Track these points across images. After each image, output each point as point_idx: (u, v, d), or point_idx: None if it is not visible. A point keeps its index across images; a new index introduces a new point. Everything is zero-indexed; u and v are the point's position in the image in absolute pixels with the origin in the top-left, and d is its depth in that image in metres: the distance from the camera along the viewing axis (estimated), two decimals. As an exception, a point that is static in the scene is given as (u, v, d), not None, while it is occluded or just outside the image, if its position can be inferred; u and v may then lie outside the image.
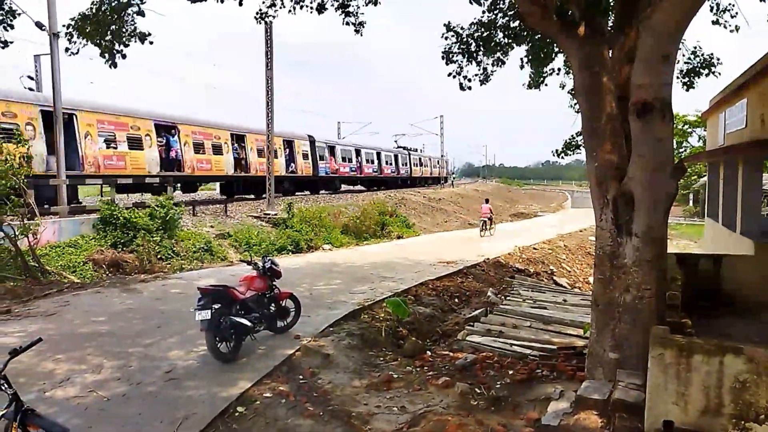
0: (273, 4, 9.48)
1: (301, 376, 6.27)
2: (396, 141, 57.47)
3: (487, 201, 25.91)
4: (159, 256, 14.17)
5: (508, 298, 11.13)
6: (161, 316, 8.47)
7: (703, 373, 4.14)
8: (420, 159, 56.53)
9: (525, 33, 10.19)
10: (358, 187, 43.38)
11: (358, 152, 41.21)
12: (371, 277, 12.21)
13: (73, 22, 8.48)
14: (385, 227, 24.11)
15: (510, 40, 10.39)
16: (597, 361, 5.59)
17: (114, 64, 8.81)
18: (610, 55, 5.95)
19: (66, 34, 8.71)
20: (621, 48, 5.80)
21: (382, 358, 7.24)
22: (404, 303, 8.86)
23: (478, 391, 5.95)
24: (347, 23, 9.92)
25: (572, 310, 9.97)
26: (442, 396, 5.91)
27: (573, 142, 15.39)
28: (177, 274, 12.70)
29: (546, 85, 11.82)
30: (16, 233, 10.64)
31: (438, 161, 64.48)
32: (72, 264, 12.55)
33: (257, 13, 9.44)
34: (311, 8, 9.53)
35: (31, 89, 20.59)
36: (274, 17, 9.67)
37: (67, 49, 8.82)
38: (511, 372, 6.51)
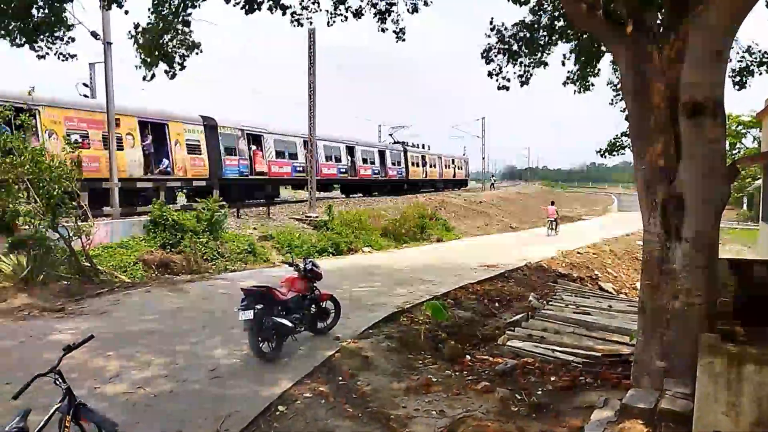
0: (306, 7, 9.64)
1: (340, 378, 6.32)
2: (392, 135, 46.11)
3: (552, 203, 27.61)
4: (205, 257, 14.55)
5: (550, 303, 10.91)
6: (206, 315, 8.70)
7: (755, 383, 3.96)
8: (423, 157, 45.83)
9: (569, 33, 10.01)
10: (303, 195, 30.11)
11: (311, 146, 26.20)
12: (410, 280, 12.19)
13: (132, 34, 8.79)
14: (424, 230, 24.04)
15: (554, 40, 10.22)
16: (643, 369, 5.42)
17: (173, 75, 9.10)
18: (659, 53, 5.76)
19: (138, 60, 9.01)
20: (670, 46, 5.61)
21: (421, 362, 7.22)
22: (444, 306, 8.81)
23: (519, 397, 5.85)
24: (383, 30, 10.00)
25: (618, 317, 9.69)
26: (482, 401, 5.84)
27: (618, 143, 14.99)
28: (222, 274, 13.02)
29: (593, 85, 11.56)
30: (71, 234, 11.12)
31: (453, 161, 54.56)
32: (123, 264, 13.04)
33: (292, 16, 9.60)
34: (344, 17, 9.66)
35: (86, 96, 21.61)
36: (310, 21, 9.82)
37: (136, 67, 9.13)
38: (553, 379, 6.38)
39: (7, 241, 11.31)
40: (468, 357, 7.59)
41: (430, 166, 47.41)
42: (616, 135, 14.92)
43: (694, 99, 5.05)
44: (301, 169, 27.86)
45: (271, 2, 8.87)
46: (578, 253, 19.16)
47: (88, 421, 3.75)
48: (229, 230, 16.74)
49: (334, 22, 9.75)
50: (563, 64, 10.94)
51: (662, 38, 5.77)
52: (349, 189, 37.17)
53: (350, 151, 34.12)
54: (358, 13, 9.79)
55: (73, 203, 11.58)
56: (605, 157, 16.01)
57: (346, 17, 9.73)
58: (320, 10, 9.67)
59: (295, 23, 9.66)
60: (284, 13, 9.12)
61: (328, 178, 31.85)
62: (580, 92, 11.58)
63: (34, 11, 7.58)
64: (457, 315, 9.50)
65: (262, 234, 17.76)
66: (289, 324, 6.74)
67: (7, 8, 6.62)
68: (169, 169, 20.86)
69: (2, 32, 6.84)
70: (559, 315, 9.61)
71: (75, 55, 9.11)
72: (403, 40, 10.16)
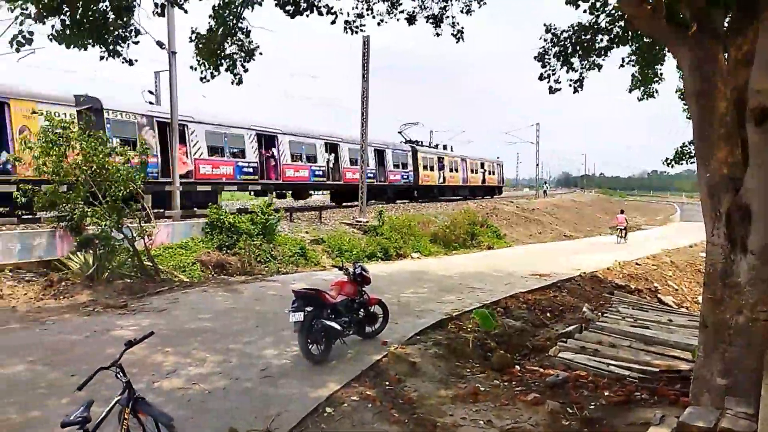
0: (361, 15, 9.74)
1: (387, 382, 6.34)
2: (402, 132, 38.34)
3: (622, 212, 28.43)
4: (258, 259, 14.93)
5: (605, 315, 10.55)
6: (259, 316, 8.93)
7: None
8: (440, 160, 38.89)
9: (629, 35, 9.70)
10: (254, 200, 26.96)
11: (267, 141, 23.65)
12: (459, 287, 12.09)
13: (193, 42, 9.16)
14: (475, 237, 23.77)
15: (612, 44, 9.93)
16: (703, 387, 5.15)
17: (240, 81, 9.40)
18: (725, 56, 5.50)
19: (197, 64, 9.36)
20: (738, 49, 5.35)
21: (468, 370, 7.14)
22: (492, 315, 8.69)
23: (570, 411, 5.69)
24: (437, 34, 10.00)
25: (677, 331, 9.25)
26: (531, 413, 5.71)
27: (686, 151, 14.30)
28: (274, 276, 13.33)
29: (657, 92, 11.11)
30: (134, 235, 11.68)
31: (482, 164, 47.48)
32: (182, 264, 13.56)
33: (346, 24, 9.73)
34: (384, 21, 9.70)
35: (151, 103, 22.69)
36: (362, 27, 9.92)
37: (200, 75, 9.47)
38: (606, 393, 6.16)
39: (75, 240, 12.01)
40: (517, 367, 7.44)
41: (451, 170, 40.48)
42: (684, 143, 14.26)
43: (763, 105, 4.78)
44: (251, 170, 22.72)
45: (318, 7, 8.95)
46: (636, 264, 18.45)
47: (146, 414, 3.90)
48: (281, 233, 17.12)
49: (385, 22, 9.80)
50: (621, 66, 10.61)
51: (729, 41, 5.51)
52: (333, 195, 31.69)
53: (332, 148, 27.87)
54: (411, 19, 9.82)
55: (138, 205, 12.18)
56: (671, 166, 15.31)
57: (398, 19, 9.78)
58: (375, 18, 9.75)
59: (349, 31, 9.79)
60: (334, 21, 9.21)
61: (293, 182, 25.71)
62: (643, 99, 11.15)
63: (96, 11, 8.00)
64: (507, 324, 9.34)
65: (314, 238, 18.05)
66: (338, 327, 6.82)
67: (79, 14, 7.07)
68: (9, 166, 14.29)
69: (73, 36, 7.29)
70: (615, 328, 9.27)
71: (133, 61, 9.33)
72: (462, 40, 10.12)
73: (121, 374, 3.81)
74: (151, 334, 4.32)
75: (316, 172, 26.68)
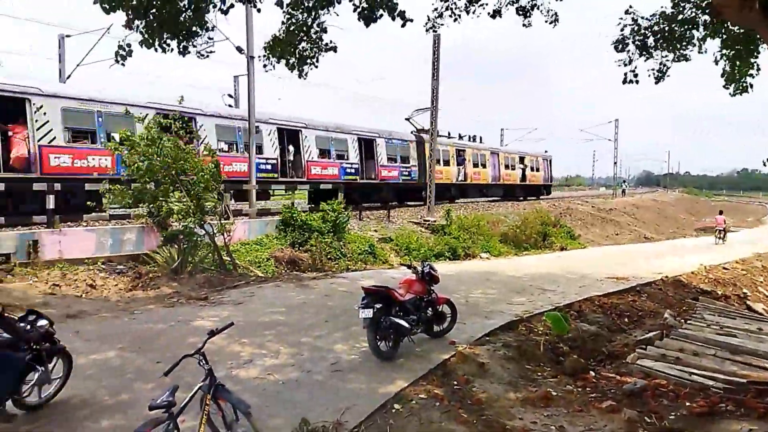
0: (441, 15, 9.72)
1: (455, 382, 6.32)
2: (411, 119, 30.29)
3: (720, 213, 28.10)
4: (329, 256, 15.29)
5: (689, 322, 9.95)
6: (329, 311, 9.15)
7: None
8: (460, 153, 31.69)
9: (717, 25, 9.10)
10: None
11: (366, 144, 24.86)
12: (530, 288, 11.82)
13: (267, 45, 9.53)
14: (547, 238, 23.15)
15: (699, 34, 9.36)
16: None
17: (304, 76, 9.72)
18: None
19: (263, 56, 9.79)
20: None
21: (539, 373, 6.98)
22: (565, 318, 8.43)
23: (649, 421, 5.44)
24: (525, 26, 9.80)
25: (770, 342, 8.60)
26: (606, 421, 5.51)
27: None
28: (343, 273, 13.60)
29: (752, 86, 10.30)
30: (215, 231, 12.31)
31: (521, 159, 39.65)
32: (257, 260, 14.13)
33: (427, 24, 9.73)
34: (461, 17, 9.60)
35: (230, 106, 23.74)
36: (442, 25, 9.90)
37: (264, 66, 9.90)
38: (688, 404, 5.84)
39: (162, 235, 12.81)
40: (592, 373, 7.18)
41: (476, 165, 33.13)
42: None
43: None
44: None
45: (390, 12, 9.00)
46: (724, 268, 17.29)
47: (225, 401, 4.12)
48: (351, 231, 17.42)
49: (470, 14, 9.70)
50: (716, 63, 9.93)
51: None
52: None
53: (291, 138, 21.85)
54: (496, 13, 9.67)
55: (219, 202, 12.82)
56: None
57: (478, 15, 9.69)
58: (458, 16, 9.68)
59: (430, 30, 9.83)
60: (404, 25, 9.24)
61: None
62: (736, 94, 10.38)
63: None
64: (581, 328, 9.02)
65: (382, 236, 18.24)
66: (406, 325, 6.86)
67: (162, 15, 7.61)
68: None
69: (154, 34, 7.85)
70: (699, 335, 8.74)
71: (207, 54, 9.72)
72: (557, 22, 9.87)
73: (204, 362, 4.03)
74: (231, 325, 4.55)
75: (268, 167, 21.71)
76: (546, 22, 9.84)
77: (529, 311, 9.43)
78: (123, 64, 7.91)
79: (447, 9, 9.64)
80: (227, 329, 4.44)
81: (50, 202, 12.77)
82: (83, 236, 12.57)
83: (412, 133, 29.68)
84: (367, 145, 25.55)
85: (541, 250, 21.47)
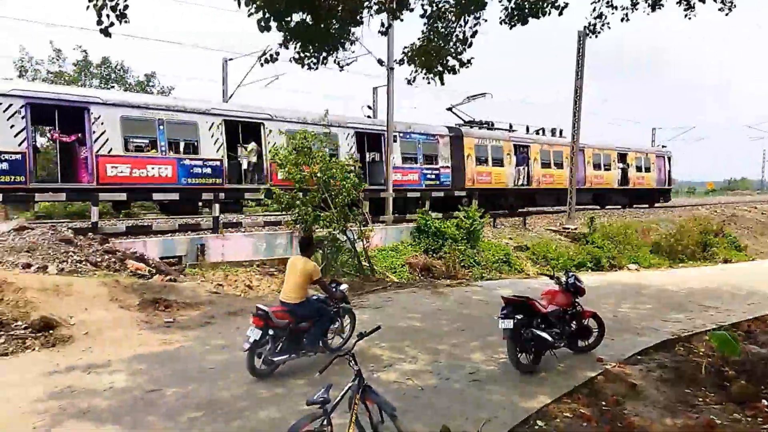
0: (601, 15, 9.31)
1: (604, 402, 5.95)
2: (454, 108, 25.70)
3: None
4: (462, 264, 15.25)
5: None
6: (464, 319, 9.12)
7: None
8: (519, 149, 26.00)
9: None
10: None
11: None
12: (688, 304, 10.75)
13: (407, 54, 9.78)
14: (707, 248, 20.86)
15: None
16: None
17: (443, 82, 9.86)
18: None
19: (400, 61, 10.05)
20: None
21: (700, 399, 6.31)
22: (734, 339, 7.53)
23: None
24: (688, 17, 9.06)
25: None
26: (786, 459, 4.84)
27: None
28: (478, 282, 13.46)
29: None
30: (355, 237, 12.91)
31: (623, 156, 31.68)
32: (393, 265, 14.55)
33: (586, 28, 9.40)
34: (624, 13, 9.03)
35: (369, 116, 24.80)
36: (605, 25, 9.47)
37: (408, 81, 10.15)
38: None
39: (308, 240, 13.73)
40: (764, 401, 6.34)
41: (545, 165, 27.09)
42: None
43: None
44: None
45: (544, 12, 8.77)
46: None
47: (372, 401, 4.29)
48: (485, 239, 17.20)
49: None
50: None
51: None
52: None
53: (253, 131, 17.78)
54: (655, 4, 9.09)
55: (359, 210, 13.46)
56: None
57: (635, 9, 9.14)
58: (614, 13, 9.25)
59: (591, 35, 9.53)
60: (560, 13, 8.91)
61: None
62: None
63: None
64: (750, 350, 8.01)
65: (517, 244, 17.77)
66: (549, 338, 6.61)
67: (314, 33, 8.17)
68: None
69: (306, 51, 8.45)
70: None
71: (345, 65, 10.14)
72: (734, 7, 9.07)
73: (354, 363, 4.23)
74: (378, 329, 4.75)
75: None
76: (719, 9, 8.97)
77: (688, 330, 8.59)
78: (262, 65, 8.55)
79: (608, 6, 9.17)
80: (375, 332, 4.63)
81: (215, 210, 14.37)
82: (242, 241, 13.94)
83: (466, 125, 25.09)
84: (363, 138, 20.44)
85: (700, 261, 19.39)
